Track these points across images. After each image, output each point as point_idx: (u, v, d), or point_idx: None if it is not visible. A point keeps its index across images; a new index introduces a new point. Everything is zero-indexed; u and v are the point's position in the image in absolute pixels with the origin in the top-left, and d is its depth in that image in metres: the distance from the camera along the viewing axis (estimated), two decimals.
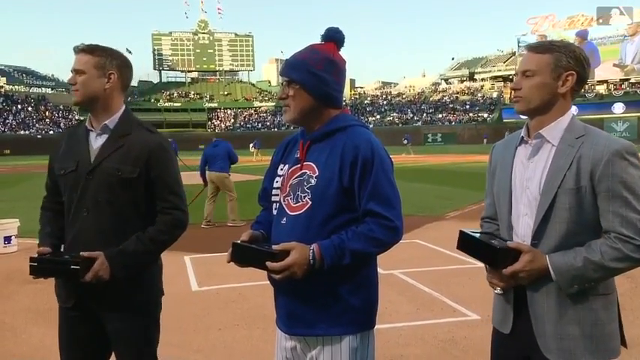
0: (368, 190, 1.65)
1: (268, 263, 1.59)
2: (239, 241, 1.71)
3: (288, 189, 1.73)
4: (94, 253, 1.95)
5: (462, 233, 1.76)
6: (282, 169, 1.81)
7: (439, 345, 3.75)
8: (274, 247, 1.63)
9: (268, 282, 1.78)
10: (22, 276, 5.93)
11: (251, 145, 36.53)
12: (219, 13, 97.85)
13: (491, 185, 1.89)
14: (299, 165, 1.74)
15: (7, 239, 7.18)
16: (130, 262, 2.00)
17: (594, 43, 58.93)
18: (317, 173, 1.68)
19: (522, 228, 1.70)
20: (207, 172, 9.14)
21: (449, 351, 3.65)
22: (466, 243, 1.74)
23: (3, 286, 5.56)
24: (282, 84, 1.77)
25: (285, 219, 1.72)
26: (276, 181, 1.80)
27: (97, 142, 2.08)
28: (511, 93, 1.78)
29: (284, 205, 1.73)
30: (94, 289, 1.99)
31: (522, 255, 1.61)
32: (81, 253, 1.93)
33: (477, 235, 1.75)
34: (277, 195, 1.78)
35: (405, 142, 36.77)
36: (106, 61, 2.06)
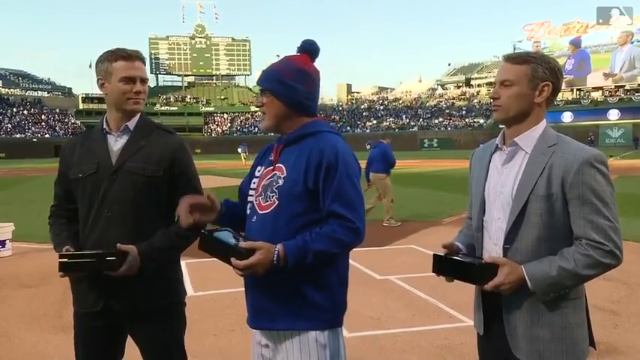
0: (331, 192, 1.72)
1: (233, 260, 1.66)
2: (207, 231, 1.77)
3: (260, 189, 1.83)
4: (128, 246, 1.96)
5: (436, 257, 1.78)
6: (259, 171, 1.91)
7: (435, 351, 3.74)
8: (242, 244, 1.69)
9: None
10: (16, 280, 5.90)
11: (239, 148, 37.35)
12: (216, 17, 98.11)
13: (471, 188, 1.97)
14: (272, 167, 1.84)
15: (2, 243, 7.14)
16: (158, 257, 2.02)
17: (587, 51, 59.41)
18: (285, 174, 1.78)
19: (495, 232, 1.77)
20: (370, 173, 9.69)
21: (445, 357, 3.63)
22: (442, 265, 1.78)
23: None
24: (259, 92, 1.89)
25: (255, 217, 1.82)
26: (253, 182, 1.90)
27: (117, 143, 2.10)
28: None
29: (255, 205, 1.83)
30: (122, 292, 2.00)
31: (500, 268, 1.65)
32: (118, 245, 1.94)
33: (452, 256, 1.79)
34: (252, 195, 1.87)
35: (368, 147, 37.84)
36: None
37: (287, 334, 1.77)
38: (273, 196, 1.77)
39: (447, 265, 1.77)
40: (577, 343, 1.70)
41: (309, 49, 1.85)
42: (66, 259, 1.93)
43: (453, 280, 1.77)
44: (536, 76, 1.70)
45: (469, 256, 1.82)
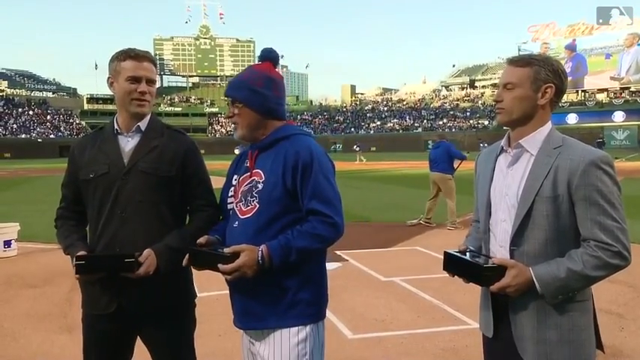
0: (309, 190, 1.79)
1: (220, 265, 1.72)
2: (193, 247, 1.84)
3: (239, 195, 1.89)
4: (146, 251, 1.97)
5: (446, 254, 1.81)
6: (235, 180, 1.96)
7: (440, 354, 3.72)
8: (226, 249, 1.75)
9: None
10: (21, 280, 5.92)
11: (236, 149, 37.89)
12: (221, 18, 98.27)
13: (477, 191, 1.98)
14: (248, 173, 1.90)
15: (7, 243, 7.17)
16: (174, 258, 2.00)
17: (583, 54, 59.48)
18: (263, 178, 1.83)
19: (501, 233, 1.77)
20: (430, 172, 9.57)
21: None
22: (452, 263, 1.79)
23: (2, 290, 5.53)
24: (227, 104, 1.94)
25: (236, 222, 1.87)
26: (230, 191, 1.96)
27: (128, 144, 2.09)
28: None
29: (236, 211, 1.89)
30: (135, 293, 1.99)
31: (508, 270, 1.65)
32: (136, 254, 1.95)
33: (462, 254, 1.80)
34: (231, 203, 1.94)
35: (357, 149, 39.07)
36: (156, 71, 2.16)
37: (272, 331, 1.82)
38: (253, 201, 1.83)
39: (455, 264, 1.78)
40: (584, 346, 1.69)
41: (270, 57, 1.93)
42: (83, 262, 1.92)
43: (469, 282, 1.76)
44: (538, 78, 1.70)
45: (480, 255, 1.82)
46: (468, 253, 1.81)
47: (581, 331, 1.68)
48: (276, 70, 1.94)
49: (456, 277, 1.79)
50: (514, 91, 1.72)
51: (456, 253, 1.79)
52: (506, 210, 1.75)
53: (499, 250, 1.77)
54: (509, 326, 1.75)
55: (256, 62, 1.97)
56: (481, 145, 34.96)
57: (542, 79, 1.70)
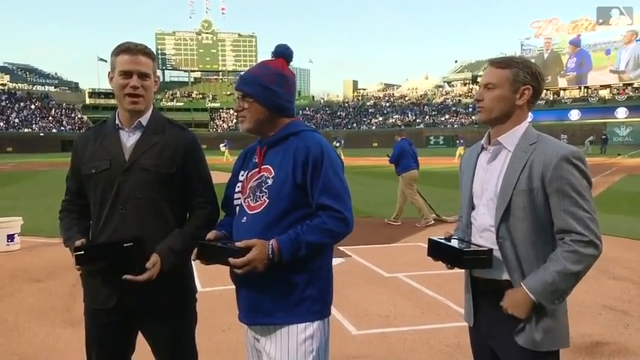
0: (319, 185, 1.79)
1: (230, 259, 1.73)
2: (203, 241, 1.84)
3: (248, 191, 1.89)
4: (152, 258, 1.96)
5: (430, 241, 1.90)
6: (242, 175, 1.96)
7: (445, 350, 3.72)
8: (237, 244, 1.75)
9: None
10: (25, 274, 5.93)
11: (222, 145, 38.00)
12: (223, 13, 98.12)
13: (461, 189, 2.06)
14: (257, 169, 1.89)
15: (10, 237, 7.18)
16: (177, 260, 2.02)
17: (587, 50, 59.44)
18: (273, 174, 1.84)
19: (481, 226, 1.87)
20: (411, 170, 9.21)
21: (455, 356, 3.62)
22: (436, 249, 1.87)
23: (6, 285, 5.54)
24: (237, 98, 1.93)
25: (245, 218, 1.87)
26: (237, 187, 1.96)
27: (130, 139, 2.08)
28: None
29: (245, 206, 1.89)
30: (134, 289, 1.98)
31: (505, 296, 1.77)
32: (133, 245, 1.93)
33: (447, 241, 1.89)
34: (239, 198, 1.93)
35: (338, 144, 40.30)
36: (155, 65, 2.12)
37: (277, 328, 1.83)
38: (263, 196, 1.83)
39: (439, 250, 1.86)
40: (564, 329, 1.81)
41: (285, 54, 1.92)
42: (82, 252, 1.92)
43: (452, 267, 1.86)
44: (517, 79, 1.80)
45: (463, 242, 1.91)
46: (452, 240, 1.91)
47: (560, 318, 1.79)
48: (288, 67, 1.93)
49: (460, 272, 1.86)
50: (494, 91, 1.82)
51: (439, 240, 1.89)
52: (486, 204, 1.85)
53: (479, 241, 1.86)
54: (486, 315, 1.88)
55: (268, 58, 1.95)
56: (457, 141, 35.43)
57: (520, 81, 1.80)
